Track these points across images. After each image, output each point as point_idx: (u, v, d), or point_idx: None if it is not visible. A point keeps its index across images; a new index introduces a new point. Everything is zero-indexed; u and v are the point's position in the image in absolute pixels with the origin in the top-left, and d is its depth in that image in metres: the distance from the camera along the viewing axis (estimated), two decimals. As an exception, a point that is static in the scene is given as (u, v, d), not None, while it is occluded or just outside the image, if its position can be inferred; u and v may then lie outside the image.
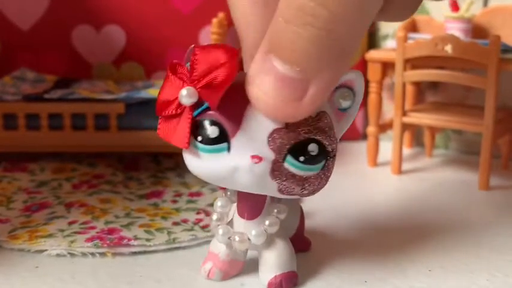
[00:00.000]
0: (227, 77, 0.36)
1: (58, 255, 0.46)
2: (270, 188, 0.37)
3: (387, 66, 0.69)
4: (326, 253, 0.47)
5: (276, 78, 0.34)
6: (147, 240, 0.48)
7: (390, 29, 0.77)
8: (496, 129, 0.62)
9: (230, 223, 0.42)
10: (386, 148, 0.71)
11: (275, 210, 0.41)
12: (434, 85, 0.76)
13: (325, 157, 0.38)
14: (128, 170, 0.67)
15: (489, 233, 0.52)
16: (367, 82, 0.70)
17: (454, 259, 0.47)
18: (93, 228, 0.50)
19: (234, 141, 0.37)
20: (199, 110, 0.37)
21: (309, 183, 0.38)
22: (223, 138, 0.37)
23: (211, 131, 0.37)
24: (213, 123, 0.37)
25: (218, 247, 0.43)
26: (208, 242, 0.49)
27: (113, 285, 0.42)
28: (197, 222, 0.52)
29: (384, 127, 0.71)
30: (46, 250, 0.47)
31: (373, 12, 0.33)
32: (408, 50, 0.64)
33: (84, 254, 0.47)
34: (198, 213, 0.54)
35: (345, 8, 0.32)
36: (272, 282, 0.41)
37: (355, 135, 0.81)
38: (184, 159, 0.39)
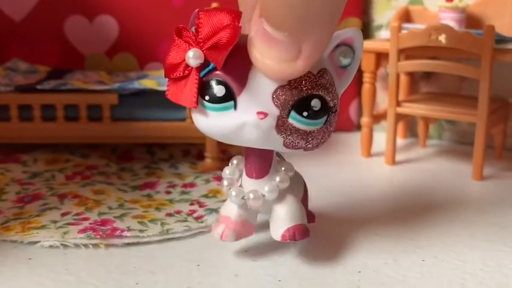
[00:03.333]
0: (231, 38, 0.37)
1: (51, 246, 0.46)
2: (276, 142, 0.39)
3: (381, 57, 0.69)
4: (319, 243, 0.47)
5: (270, 41, 0.35)
6: (141, 231, 0.48)
7: (384, 20, 0.77)
8: (490, 119, 0.62)
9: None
10: (380, 139, 0.71)
11: (282, 168, 0.43)
12: (428, 75, 0.76)
13: (327, 112, 0.39)
14: (122, 161, 0.67)
15: (483, 223, 0.52)
16: (361, 73, 0.70)
17: (448, 249, 0.47)
18: (86, 219, 0.50)
19: (240, 99, 0.38)
20: (206, 70, 0.38)
21: (312, 137, 0.39)
22: (229, 96, 0.38)
23: (218, 90, 0.38)
24: (219, 82, 0.38)
25: (229, 209, 0.44)
26: (202, 232, 0.49)
27: (106, 276, 0.42)
28: (191, 213, 0.52)
29: (377, 118, 0.71)
30: (39, 242, 0.47)
31: None
32: (402, 40, 0.63)
33: (77, 246, 0.46)
34: (191, 204, 0.54)
35: None
36: (285, 235, 0.42)
37: (350, 126, 0.81)
38: (193, 119, 0.40)
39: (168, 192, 0.57)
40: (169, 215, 0.52)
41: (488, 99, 0.60)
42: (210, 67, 0.38)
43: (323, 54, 0.39)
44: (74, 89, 0.63)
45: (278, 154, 0.43)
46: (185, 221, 0.50)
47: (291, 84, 0.38)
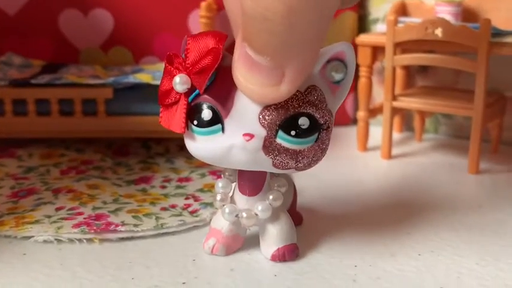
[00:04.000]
0: (212, 61, 0.37)
1: (45, 241, 0.46)
2: (265, 164, 0.39)
3: (377, 51, 0.68)
4: (315, 238, 0.47)
5: (252, 65, 0.35)
6: (135, 225, 0.48)
7: (380, 13, 0.77)
8: (486, 113, 0.62)
9: (232, 200, 0.43)
10: (377, 133, 0.71)
11: (276, 185, 0.43)
12: (424, 69, 0.76)
13: (318, 130, 0.39)
14: (117, 155, 0.67)
15: (479, 217, 0.52)
16: (357, 66, 0.70)
17: (444, 243, 0.47)
18: (80, 214, 0.50)
19: (227, 122, 0.38)
20: (193, 95, 0.39)
21: (302, 156, 0.39)
22: (217, 120, 0.38)
23: (205, 114, 0.38)
24: (206, 106, 0.38)
25: (221, 223, 0.44)
26: (196, 227, 0.49)
27: (101, 271, 0.42)
28: (186, 207, 0.52)
29: (373, 112, 0.71)
30: (33, 236, 0.46)
31: None
32: (398, 33, 0.63)
33: (71, 240, 0.46)
34: (186, 198, 0.54)
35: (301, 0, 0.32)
36: (275, 255, 0.43)
37: (345, 120, 0.81)
38: (186, 144, 0.41)
39: (163, 187, 0.57)
40: (164, 209, 0.51)
41: (484, 93, 0.60)
42: (197, 92, 0.38)
43: (312, 71, 0.38)
44: (68, 83, 0.63)
45: None
46: (180, 215, 0.50)
47: (277, 104, 0.37)
